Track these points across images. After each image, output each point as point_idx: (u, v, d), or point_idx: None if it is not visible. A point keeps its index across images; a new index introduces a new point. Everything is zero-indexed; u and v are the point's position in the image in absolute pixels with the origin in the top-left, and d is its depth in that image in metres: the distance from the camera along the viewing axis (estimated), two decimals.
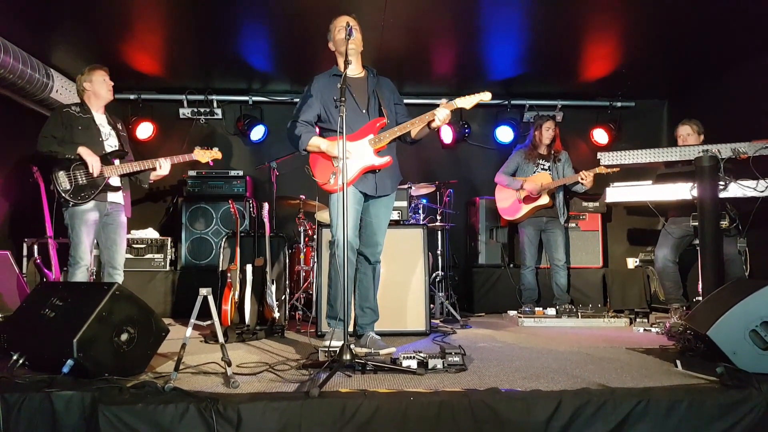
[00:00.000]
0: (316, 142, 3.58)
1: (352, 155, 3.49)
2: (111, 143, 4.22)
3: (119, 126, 4.37)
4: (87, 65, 4.25)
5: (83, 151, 3.98)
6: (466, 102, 3.49)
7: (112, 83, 4.28)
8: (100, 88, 4.20)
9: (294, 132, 3.62)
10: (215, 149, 4.49)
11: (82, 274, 3.99)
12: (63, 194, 3.95)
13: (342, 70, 3.42)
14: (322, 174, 3.58)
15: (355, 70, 3.69)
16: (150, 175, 4.31)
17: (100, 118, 4.24)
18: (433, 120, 3.47)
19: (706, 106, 6.24)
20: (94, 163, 3.98)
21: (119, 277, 4.18)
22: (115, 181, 4.15)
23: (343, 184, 3.08)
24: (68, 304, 2.84)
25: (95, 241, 4.15)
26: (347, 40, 3.36)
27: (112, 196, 4.15)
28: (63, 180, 3.96)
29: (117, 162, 4.16)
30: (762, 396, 2.41)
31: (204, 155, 4.42)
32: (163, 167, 4.24)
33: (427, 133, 3.66)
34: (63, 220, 4.06)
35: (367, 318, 3.79)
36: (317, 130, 3.72)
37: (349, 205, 3.44)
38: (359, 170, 3.56)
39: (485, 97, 3.47)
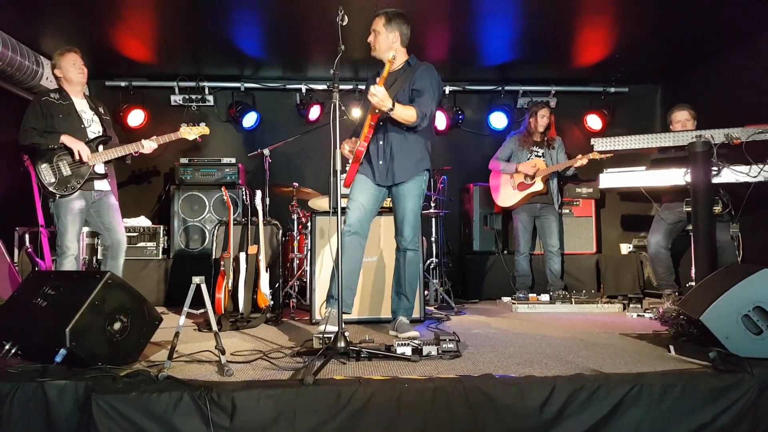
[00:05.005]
0: None
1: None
2: (94, 129, 4.14)
3: (101, 110, 4.27)
4: None
5: (66, 139, 3.91)
6: (385, 72, 3.43)
7: (85, 68, 4.13)
8: (69, 72, 4.06)
9: None
10: (202, 124, 4.39)
11: (70, 263, 3.95)
12: (48, 187, 3.91)
13: (382, 71, 3.52)
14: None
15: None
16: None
17: (81, 104, 4.15)
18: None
19: (699, 91, 6.22)
20: (80, 150, 3.92)
21: (122, 256, 4.26)
22: (100, 168, 4.08)
23: (337, 172, 3.10)
24: (60, 293, 2.82)
25: (83, 229, 4.11)
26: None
27: (98, 184, 4.10)
28: (47, 173, 3.92)
29: (101, 148, 4.10)
30: (754, 380, 2.43)
31: (191, 132, 4.33)
32: (145, 147, 4.17)
33: (397, 116, 3.49)
34: (49, 210, 4.04)
35: (399, 303, 3.85)
36: None
37: (357, 190, 3.70)
38: (350, 165, 3.72)
39: (389, 56, 3.41)
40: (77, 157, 3.92)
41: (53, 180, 3.92)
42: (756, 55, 5.40)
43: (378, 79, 3.40)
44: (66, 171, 3.94)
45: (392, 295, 3.92)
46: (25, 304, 2.89)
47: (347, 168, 3.78)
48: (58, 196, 3.93)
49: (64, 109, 4.03)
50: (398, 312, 3.83)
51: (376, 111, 3.48)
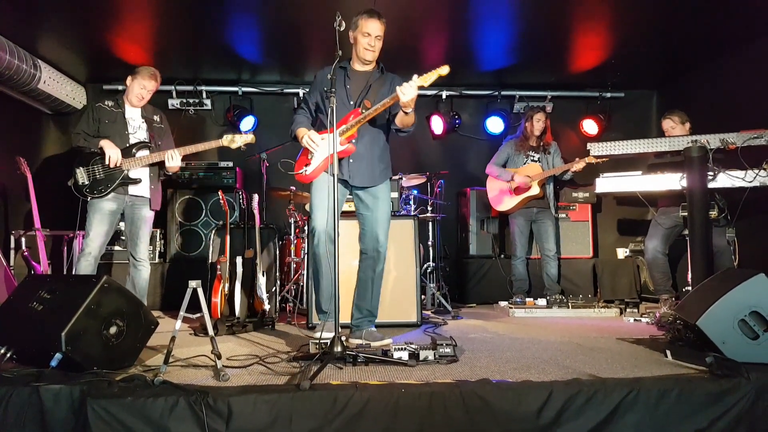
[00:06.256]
0: (300, 133, 3.62)
1: (321, 145, 3.52)
2: (139, 135, 4.28)
3: (156, 118, 4.42)
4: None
5: (105, 144, 4.07)
6: (425, 80, 3.26)
7: (146, 99, 4.35)
8: (132, 91, 4.30)
9: (293, 118, 3.75)
10: (249, 133, 4.34)
11: (86, 263, 4.06)
12: (82, 188, 4.07)
13: (352, 63, 3.67)
14: (299, 164, 3.66)
15: (365, 66, 3.69)
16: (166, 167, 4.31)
17: (133, 112, 4.32)
18: (398, 99, 3.29)
19: (694, 96, 6.25)
20: (112, 155, 4.05)
21: (143, 269, 4.31)
22: (135, 173, 4.19)
23: (333, 175, 3.09)
24: (56, 297, 2.81)
25: (110, 232, 4.19)
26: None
27: (133, 189, 4.22)
28: (82, 175, 4.10)
29: (144, 153, 4.19)
30: (751, 385, 2.43)
31: (234, 141, 4.26)
32: (173, 159, 4.20)
33: (407, 119, 3.47)
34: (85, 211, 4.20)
35: (361, 317, 3.69)
36: (318, 119, 3.75)
37: (325, 193, 3.50)
38: (323, 159, 3.53)
39: (443, 71, 3.26)
40: (107, 161, 4.05)
41: (87, 182, 4.10)
42: (751, 60, 5.43)
43: (418, 78, 3.23)
44: (99, 174, 4.10)
45: (354, 309, 3.72)
46: (21, 308, 2.88)
47: (312, 161, 3.59)
48: (89, 197, 4.09)
49: (113, 115, 4.23)
50: (363, 325, 3.67)
51: (363, 110, 3.44)
